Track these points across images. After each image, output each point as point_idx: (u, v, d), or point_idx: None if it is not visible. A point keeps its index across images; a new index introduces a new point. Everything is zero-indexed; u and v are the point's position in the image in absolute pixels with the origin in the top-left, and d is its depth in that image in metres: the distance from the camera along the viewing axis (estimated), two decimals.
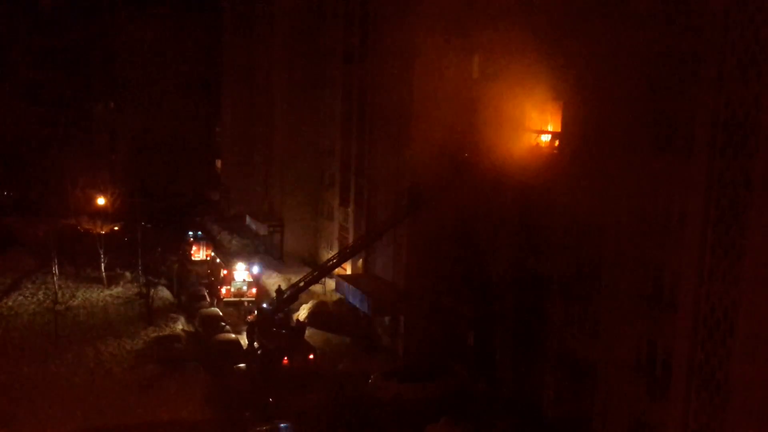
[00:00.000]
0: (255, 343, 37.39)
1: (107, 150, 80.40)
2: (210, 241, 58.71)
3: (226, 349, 36.64)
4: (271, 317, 37.94)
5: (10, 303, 44.21)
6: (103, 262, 48.63)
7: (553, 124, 29.99)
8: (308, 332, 38.88)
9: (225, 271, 47.29)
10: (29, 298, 45.06)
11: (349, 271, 45.57)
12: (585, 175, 26.79)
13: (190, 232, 59.66)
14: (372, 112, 43.62)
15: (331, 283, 45.44)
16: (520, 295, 31.20)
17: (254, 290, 45.77)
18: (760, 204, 19.38)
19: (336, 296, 44.52)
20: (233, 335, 38.79)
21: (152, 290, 44.26)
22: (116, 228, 57.20)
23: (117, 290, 47.48)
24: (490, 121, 31.86)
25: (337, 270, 42.63)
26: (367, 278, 43.08)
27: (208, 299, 45.73)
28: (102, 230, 52.05)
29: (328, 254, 47.75)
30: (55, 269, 46.20)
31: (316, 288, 44.64)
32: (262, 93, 63.24)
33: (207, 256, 54.91)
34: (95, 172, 58.24)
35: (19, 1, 79.47)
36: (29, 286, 47.03)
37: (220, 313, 42.13)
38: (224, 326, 39.97)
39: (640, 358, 24.79)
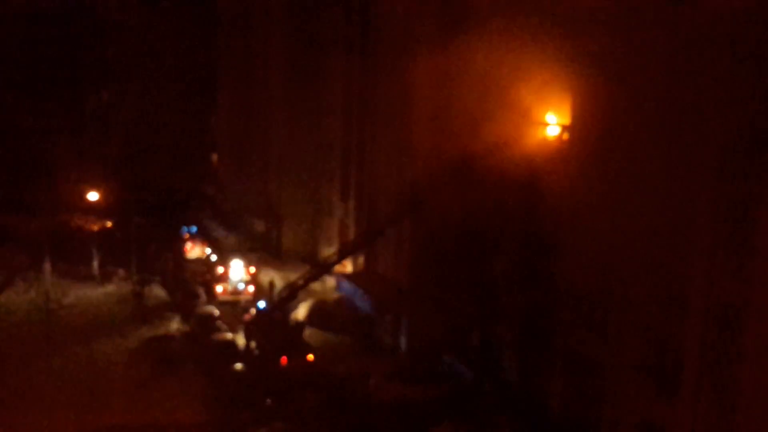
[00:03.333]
0: (252, 343, 36.75)
1: (100, 144, 79.72)
2: (205, 237, 58.06)
3: (222, 349, 36.06)
4: (267, 316, 37.42)
5: (2, 301, 43.75)
6: (96, 259, 48.13)
7: (562, 117, 29.27)
8: (307, 332, 38.29)
9: (221, 269, 46.70)
10: (21, 296, 44.63)
11: (349, 269, 45.02)
12: (594, 169, 26.08)
13: (185, 229, 59.04)
14: (373, 104, 43.06)
15: (331, 281, 44.84)
16: (526, 293, 30.59)
17: (251, 288, 45.16)
18: None
19: (336, 295, 43.92)
20: (230, 335, 38.12)
21: (146, 288, 43.97)
22: (109, 224, 56.86)
23: (110, 288, 47.06)
24: (496, 113, 31.19)
25: (337, 267, 41.96)
26: (369, 276, 42.56)
27: (204, 298, 45.01)
28: (95, 227, 51.63)
29: (328, 251, 47.10)
30: (48, 267, 45.62)
31: (316, 286, 43.81)
32: (260, 85, 62.44)
33: (202, 253, 54.35)
34: (87, 166, 57.71)
35: None
36: (21, 283, 46.55)
37: (216, 312, 41.37)
38: (220, 326, 39.27)
39: (649, 358, 24.22)
